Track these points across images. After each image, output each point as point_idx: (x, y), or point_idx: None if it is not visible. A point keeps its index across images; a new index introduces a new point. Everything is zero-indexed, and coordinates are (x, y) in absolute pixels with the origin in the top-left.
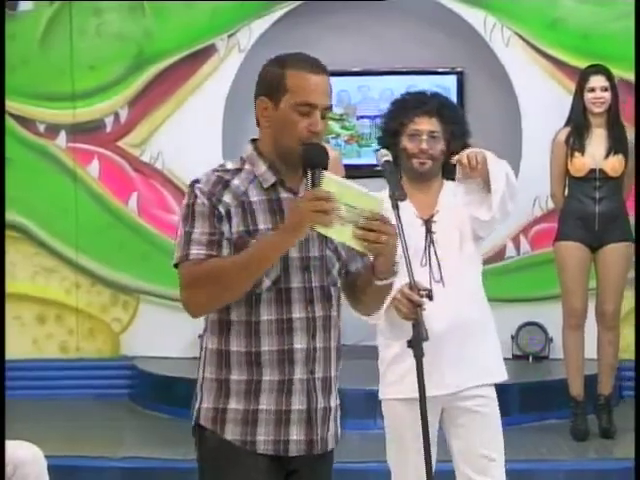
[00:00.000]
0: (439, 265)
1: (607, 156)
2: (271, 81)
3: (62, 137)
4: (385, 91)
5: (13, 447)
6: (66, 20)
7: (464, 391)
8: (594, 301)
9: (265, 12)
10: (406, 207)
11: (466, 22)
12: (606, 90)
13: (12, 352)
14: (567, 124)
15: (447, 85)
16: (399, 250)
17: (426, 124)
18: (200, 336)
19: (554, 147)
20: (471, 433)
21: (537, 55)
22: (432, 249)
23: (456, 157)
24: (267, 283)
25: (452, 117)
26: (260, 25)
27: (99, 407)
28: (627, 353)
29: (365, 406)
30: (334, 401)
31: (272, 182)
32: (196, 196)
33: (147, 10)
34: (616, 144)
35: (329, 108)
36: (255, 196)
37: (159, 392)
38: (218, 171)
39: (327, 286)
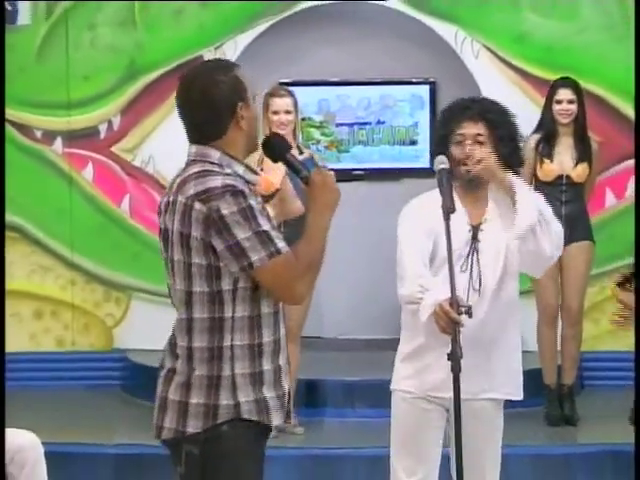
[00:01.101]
0: (480, 274)
1: (576, 164)
2: (236, 87)
3: (58, 143)
4: (363, 100)
5: (12, 434)
6: (62, 33)
7: (477, 400)
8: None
9: (249, 27)
10: (457, 212)
11: (438, 36)
12: (572, 102)
13: (11, 346)
14: (536, 131)
15: (421, 94)
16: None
17: (471, 128)
18: (189, 347)
19: (524, 152)
20: (469, 443)
21: (504, 66)
22: (475, 257)
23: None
24: None
25: (498, 121)
26: (244, 38)
27: (93, 397)
28: (587, 345)
29: (344, 395)
30: None
31: (257, 180)
32: (247, 198)
33: (138, 24)
34: (582, 153)
35: None
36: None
37: (150, 383)
38: (229, 175)
39: None
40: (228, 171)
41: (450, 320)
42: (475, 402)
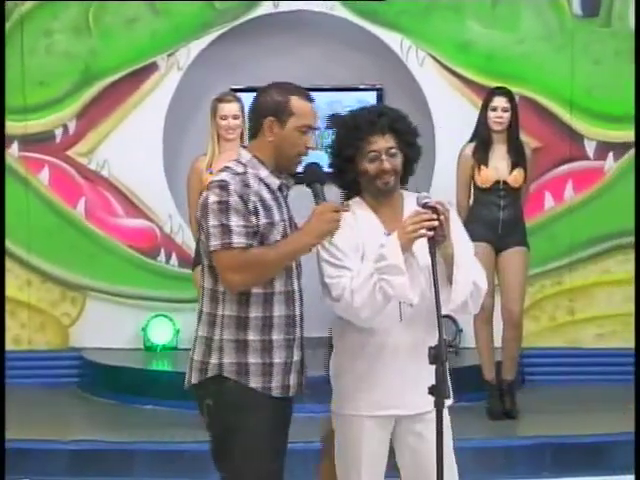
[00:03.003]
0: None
1: (511, 170)
2: (276, 105)
3: (14, 147)
4: None
5: None
6: (18, 40)
7: (422, 414)
8: (498, 296)
9: (201, 34)
10: (373, 223)
11: (385, 44)
12: (506, 111)
13: None
14: (472, 139)
15: (368, 100)
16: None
17: (382, 143)
18: (200, 311)
19: (461, 160)
20: (422, 459)
21: (448, 74)
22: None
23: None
24: None
25: (404, 128)
26: (197, 46)
27: (50, 395)
28: (527, 342)
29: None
30: None
31: (278, 185)
32: (230, 194)
33: (93, 31)
34: (516, 159)
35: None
36: (266, 194)
37: (105, 380)
38: (237, 174)
39: (300, 264)
40: (249, 171)
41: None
42: (420, 417)
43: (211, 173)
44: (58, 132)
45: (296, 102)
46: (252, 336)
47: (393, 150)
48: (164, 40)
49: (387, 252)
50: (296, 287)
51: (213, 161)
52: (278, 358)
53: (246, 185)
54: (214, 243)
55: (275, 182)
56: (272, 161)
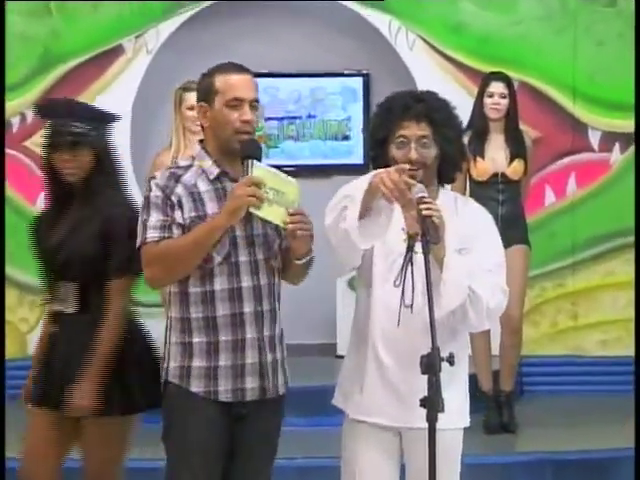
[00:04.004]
0: (413, 289)
1: (511, 161)
2: (204, 89)
3: None
4: (293, 93)
5: None
6: None
7: (424, 430)
8: None
9: (171, 14)
10: (393, 219)
11: (372, 26)
12: (504, 97)
13: None
14: (467, 128)
15: (354, 87)
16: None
17: (414, 130)
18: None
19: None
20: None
21: (440, 58)
22: (410, 269)
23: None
24: (218, 259)
25: (444, 119)
26: (167, 27)
27: (7, 408)
28: (527, 349)
29: None
30: (280, 354)
31: (216, 174)
32: (151, 189)
33: (53, 11)
34: (515, 149)
35: (256, 100)
36: (204, 187)
37: None
38: (172, 168)
39: (269, 258)
40: (195, 163)
41: (399, 183)
42: (424, 434)
43: None
44: (15, 121)
45: (219, 78)
46: (197, 338)
47: (425, 140)
48: (131, 21)
49: (357, 183)
50: (246, 284)
51: (179, 156)
52: (224, 360)
53: (174, 179)
54: (138, 240)
55: (213, 172)
56: (216, 148)
